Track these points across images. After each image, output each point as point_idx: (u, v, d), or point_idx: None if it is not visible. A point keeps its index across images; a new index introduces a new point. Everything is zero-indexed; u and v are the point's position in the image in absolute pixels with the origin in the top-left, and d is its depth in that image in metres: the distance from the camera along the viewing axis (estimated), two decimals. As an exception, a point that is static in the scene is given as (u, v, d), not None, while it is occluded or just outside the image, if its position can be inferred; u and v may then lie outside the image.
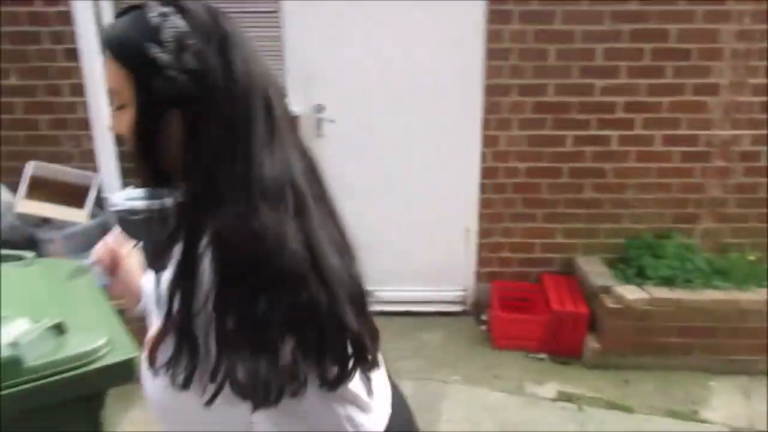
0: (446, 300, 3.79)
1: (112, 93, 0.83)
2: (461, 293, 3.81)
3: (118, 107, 0.82)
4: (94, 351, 1.34)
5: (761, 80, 3.43)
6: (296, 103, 3.34)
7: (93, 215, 3.32)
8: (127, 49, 0.77)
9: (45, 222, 3.30)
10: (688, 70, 3.42)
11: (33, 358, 1.29)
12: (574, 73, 3.42)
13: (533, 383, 3.15)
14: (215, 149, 0.77)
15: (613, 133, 3.51)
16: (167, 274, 0.80)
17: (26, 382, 1.26)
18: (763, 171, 3.56)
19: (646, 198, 3.60)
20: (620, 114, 3.48)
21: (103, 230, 3.37)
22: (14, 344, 1.27)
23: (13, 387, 1.24)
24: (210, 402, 0.74)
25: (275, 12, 3.35)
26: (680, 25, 3.35)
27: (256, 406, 0.75)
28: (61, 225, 3.25)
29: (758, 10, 3.33)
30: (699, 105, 3.47)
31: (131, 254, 1.17)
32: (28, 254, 1.77)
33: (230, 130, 0.77)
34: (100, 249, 1.16)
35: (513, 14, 3.33)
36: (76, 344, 1.36)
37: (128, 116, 0.80)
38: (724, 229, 3.64)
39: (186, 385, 0.75)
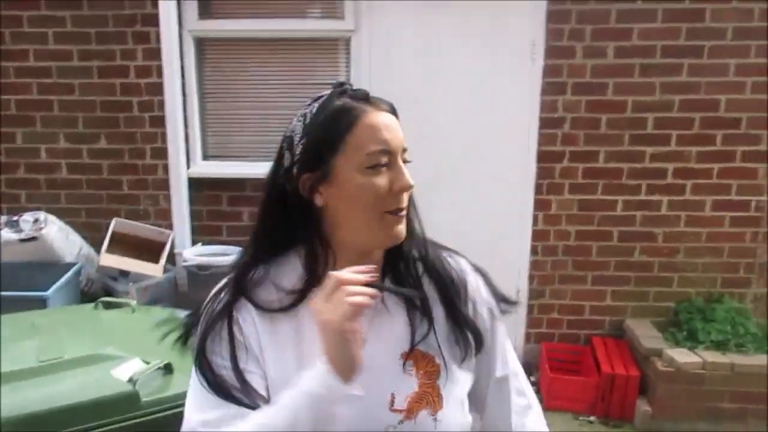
0: (496, 359, 3.86)
1: (404, 150, 1.00)
2: (511, 353, 3.87)
3: (406, 161, 1.00)
4: (197, 392, 1.51)
5: (811, 149, 3.51)
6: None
7: (165, 270, 3.55)
8: None
9: (122, 274, 3.55)
10: (738, 138, 3.52)
11: (145, 395, 1.47)
12: (625, 141, 3.56)
13: (585, 444, 3.18)
14: None
15: (663, 198, 3.62)
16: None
17: (139, 417, 1.44)
18: (814, 237, 3.60)
19: (696, 262, 3.66)
20: (670, 180, 3.59)
21: (174, 284, 3.62)
22: (132, 381, 1.46)
23: (129, 420, 1.43)
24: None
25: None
26: (730, 95, 3.48)
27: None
28: (136, 278, 3.49)
29: (807, 82, 3.44)
30: (749, 172, 3.56)
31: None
32: (131, 302, 1.97)
33: None
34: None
35: (567, 86, 3.52)
36: (180, 384, 1.54)
37: None
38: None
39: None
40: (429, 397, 0.97)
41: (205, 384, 0.94)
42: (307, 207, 0.98)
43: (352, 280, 0.88)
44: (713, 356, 3.25)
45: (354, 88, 1.00)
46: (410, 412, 0.96)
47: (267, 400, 0.94)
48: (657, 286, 3.70)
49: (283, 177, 0.99)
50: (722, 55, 3.46)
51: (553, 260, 3.73)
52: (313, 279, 0.98)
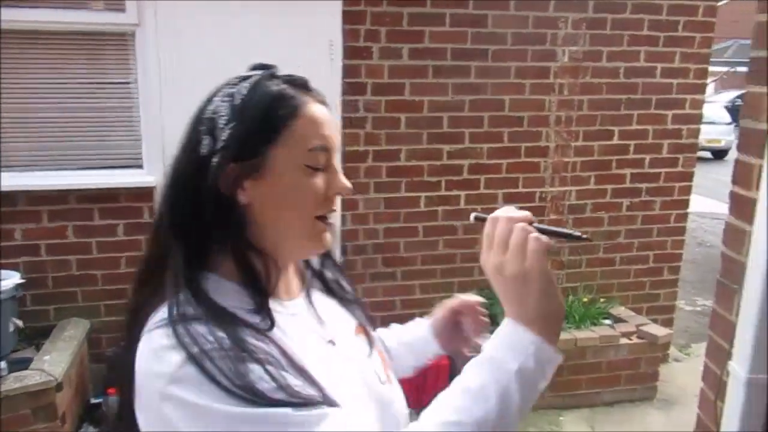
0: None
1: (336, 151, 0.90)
2: (328, 354, 3.85)
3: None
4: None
5: (581, 143, 3.92)
6: (153, 173, 3.30)
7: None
8: None
9: None
10: (522, 135, 3.83)
11: None
12: (424, 139, 3.69)
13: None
14: None
15: (461, 193, 3.82)
16: None
17: None
18: (588, 222, 4.03)
19: (493, 251, 3.91)
20: (466, 175, 3.80)
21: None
22: None
23: None
24: None
25: (129, 83, 3.32)
26: (513, 95, 3.76)
27: None
28: None
29: (575, 83, 3.83)
30: (532, 165, 3.88)
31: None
32: None
33: None
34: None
35: (366, 86, 3.55)
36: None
37: None
38: (560, 275, 4.04)
39: None
40: (385, 362, 0.99)
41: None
42: (227, 205, 0.82)
43: (521, 218, 0.79)
44: (511, 338, 3.50)
45: (288, 73, 0.88)
46: (388, 378, 0.97)
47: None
48: (461, 276, 3.90)
49: (198, 167, 0.81)
50: (504, 59, 3.72)
51: (363, 259, 3.76)
52: (264, 297, 0.83)
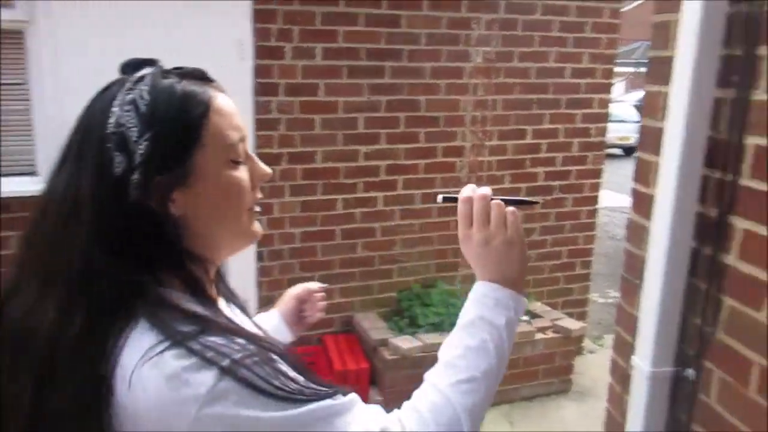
0: (231, 371, 3.69)
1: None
2: (246, 362, 3.74)
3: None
4: None
5: (496, 142, 3.97)
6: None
7: None
8: None
9: None
10: (438, 135, 3.84)
11: None
12: (339, 141, 3.64)
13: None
14: None
15: (379, 195, 3.79)
16: None
17: None
18: (505, 220, 4.09)
19: (411, 252, 3.91)
20: (383, 176, 3.77)
21: None
22: None
23: None
24: None
25: (22, 84, 3.10)
26: (428, 96, 3.76)
27: None
28: None
29: (489, 83, 3.88)
30: (449, 165, 3.90)
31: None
32: None
33: None
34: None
35: (279, 87, 3.46)
36: None
37: None
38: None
39: None
40: None
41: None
42: (158, 221, 0.75)
43: (491, 195, 0.91)
44: (431, 338, 3.51)
45: (176, 66, 0.83)
46: None
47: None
48: (380, 278, 3.88)
49: (114, 188, 0.73)
50: (419, 59, 3.72)
51: (280, 264, 3.67)
52: (215, 304, 0.83)
